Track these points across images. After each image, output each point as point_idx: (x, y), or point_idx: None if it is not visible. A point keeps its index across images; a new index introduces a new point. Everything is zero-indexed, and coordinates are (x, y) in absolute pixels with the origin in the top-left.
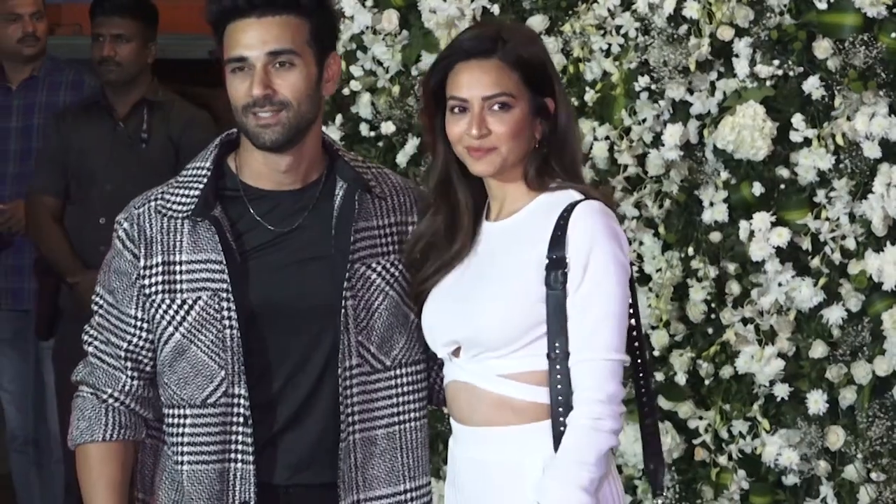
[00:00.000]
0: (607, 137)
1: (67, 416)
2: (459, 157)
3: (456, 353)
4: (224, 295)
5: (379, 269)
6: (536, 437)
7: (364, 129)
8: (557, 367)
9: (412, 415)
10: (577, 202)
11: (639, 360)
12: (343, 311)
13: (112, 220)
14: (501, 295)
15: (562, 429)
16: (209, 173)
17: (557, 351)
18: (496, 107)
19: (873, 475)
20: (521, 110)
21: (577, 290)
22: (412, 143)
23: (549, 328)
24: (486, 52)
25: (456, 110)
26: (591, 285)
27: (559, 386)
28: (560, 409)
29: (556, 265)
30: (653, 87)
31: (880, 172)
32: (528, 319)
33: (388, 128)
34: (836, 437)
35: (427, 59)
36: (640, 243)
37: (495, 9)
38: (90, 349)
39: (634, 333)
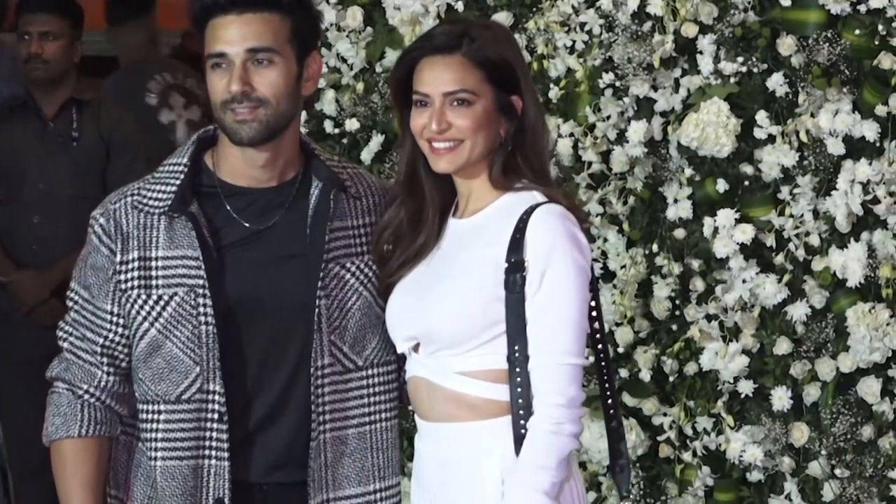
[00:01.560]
0: (571, 134)
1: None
2: (423, 150)
3: (416, 348)
4: (200, 291)
5: (353, 269)
6: (494, 434)
7: (328, 126)
8: (517, 369)
9: (383, 415)
10: (537, 205)
11: (602, 362)
12: (317, 310)
13: (45, 219)
14: (456, 293)
15: (522, 431)
16: (186, 169)
17: (517, 354)
18: (456, 102)
19: (837, 471)
20: (483, 107)
21: (535, 293)
22: (376, 140)
23: (509, 331)
24: (451, 49)
25: (419, 104)
26: (549, 289)
27: (519, 389)
28: (521, 412)
29: (515, 268)
30: (617, 83)
31: (844, 169)
32: (484, 318)
33: (352, 125)
34: (801, 434)
35: (391, 56)
36: (605, 240)
37: (459, 6)
38: (65, 345)
39: (598, 336)
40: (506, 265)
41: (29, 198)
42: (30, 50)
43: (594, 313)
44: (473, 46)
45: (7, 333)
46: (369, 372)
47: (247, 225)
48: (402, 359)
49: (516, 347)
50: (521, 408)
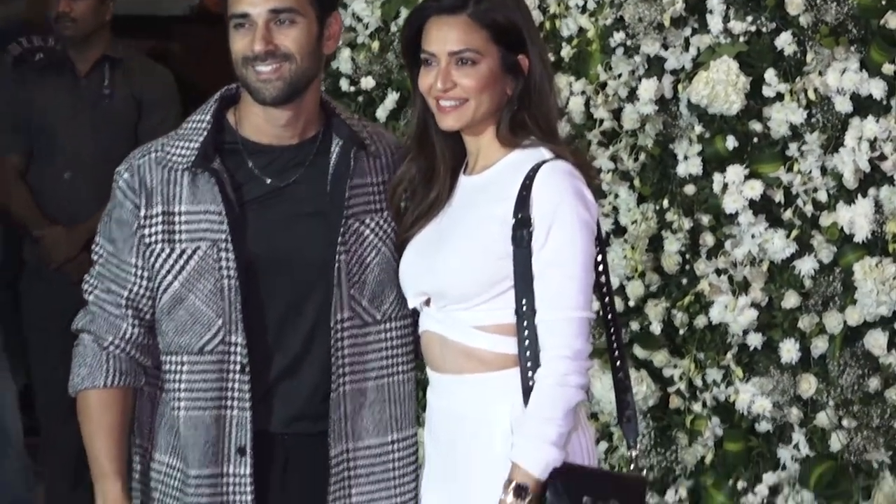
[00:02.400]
0: (583, 92)
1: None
2: (432, 109)
3: (428, 303)
4: (223, 245)
5: (372, 225)
6: (504, 385)
7: (344, 84)
8: (525, 323)
9: (400, 367)
10: (544, 162)
11: (609, 316)
12: (336, 265)
13: (76, 176)
14: (465, 248)
15: (530, 383)
16: (209, 126)
17: (525, 308)
18: (461, 62)
19: (844, 422)
20: (488, 66)
21: (541, 249)
22: (391, 98)
23: (517, 285)
24: (457, 9)
25: (426, 63)
26: (555, 244)
27: (527, 342)
28: (528, 365)
29: (522, 224)
30: (628, 42)
31: (851, 126)
32: (492, 274)
33: (367, 83)
34: (808, 385)
35: (406, 15)
36: (616, 196)
37: None
38: (90, 298)
39: (605, 290)
40: (513, 221)
41: (61, 154)
42: (59, 8)
43: (601, 268)
44: (480, 7)
45: (38, 287)
46: (387, 325)
47: (268, 181)
48: (417, 313)
49: (524, 301)
50: (528, 360)
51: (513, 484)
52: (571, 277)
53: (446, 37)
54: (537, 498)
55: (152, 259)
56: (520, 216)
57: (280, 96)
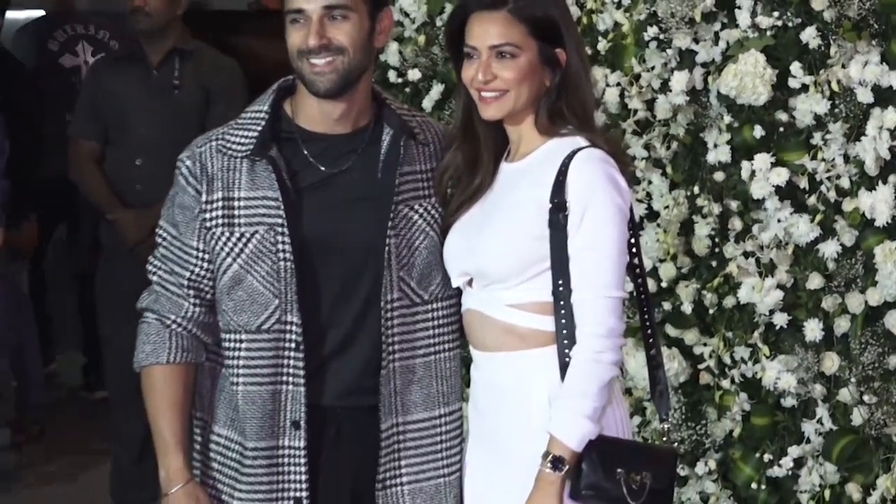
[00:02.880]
0: (618, 84)
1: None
2: (474, 99)
3: (470, 283)
4: (279, 229)
5: (421, 210)
6: (541, 362)
7: (392, 76)
8: (561, 302)
9: (447, 345)
10: (579, 149)
11: (642, 296)
12: (387, 248)
13: (148, 162)
14: (504, 231)
15: (567, 359)
16: (267, 116)
17: (561, 288)
18: (501, 55)
19: (865, 397)
20: (527, 59)
21: (577, 232)
22: (437, 89)
23: (553, 266)
24: (497, 5)
25: (469, 56)
26: (590, 227)
27: (563, 320)
28: (565, 342)
29: (558, 208)
30: (661, 36)
31: (873, 116)
32: (529, 255)
33: (414, 75)
34: (832, 363)
35: (450, 11)
36: (649, 182)
37: None
38: (154, 278)
39: (638, 271)
40: (549, 205)
41: (134, 141)
42: (133, 3)
43: (634, 251)
44: (519, 3)
45: (112, 267)
46: (434, 306)
47: (322, 168)
48: (461, 293)
49: (560, 282)
50: (565, 338)
51: (550, 455)
52: (605, 258)
53: (487, 31)
54: (573, 469)
55: (213, 242)
56: (556, 201)
57: (333, 88)
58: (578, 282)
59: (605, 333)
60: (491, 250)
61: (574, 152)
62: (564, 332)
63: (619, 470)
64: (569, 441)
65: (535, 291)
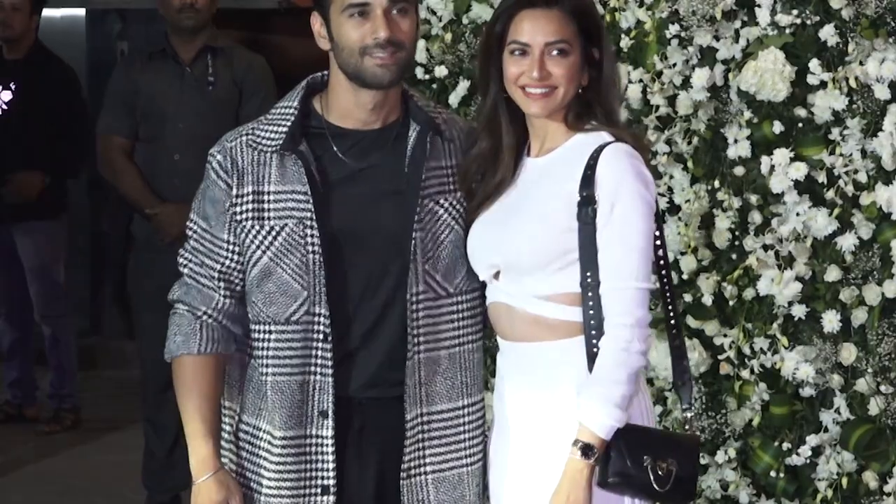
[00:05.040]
0: (641, 80)
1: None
2: (512, 96)
3: (496, 275)
4: (308, 223)
5: (446, 205)
6: (569, 352)
7: (419, 73)
8: (589, 293)
9: (470, 337)
10: (606, 144)
11: (666, 288)
12: (413, 242)
13: (184, 157)
14: (533, 223)
15: (594, 350)
16: (296, 112)
17: (589, 280)
18: (555, 52)
19: (882, 388)
20: (576, 57)
21: (606, 224)
22: (463, 86)
23: (581, 258)
24: (550, 2)
25: (517, 53)
26: (618, 220)
27: (591, 311)
28: (593, 332)
29: (587, 202)
30: (682, 34)
31: (890, 112)
32: (558, 246)
33: (440, 71)
34: (849, 353)
35: (477, 9)
36: (671, 177)
37: None
38: (185, 271)
39: (662, 263)
40: (578, 199)
41: (170, 138)
42: (184, 0)
43: (658, 243)
44: (570, 1)
45: (151, 260)
46: (458, 298)
47: (350, 163)
48: (485, 286)
49: (588, 273)
50: (593, 328)
51: (580, 443)
52: (633, 250)
53: (543, 29)
54: (601, 457)
55: (243, 235)
56: (584, 194)
57: (394, 80)
58: (607, 273)
59: (634, 323)
60: (520, 243)
61: (602, 147)
62: (592, 322)
63: (646, 457)
64: (598, 429)
65: (563, 283)
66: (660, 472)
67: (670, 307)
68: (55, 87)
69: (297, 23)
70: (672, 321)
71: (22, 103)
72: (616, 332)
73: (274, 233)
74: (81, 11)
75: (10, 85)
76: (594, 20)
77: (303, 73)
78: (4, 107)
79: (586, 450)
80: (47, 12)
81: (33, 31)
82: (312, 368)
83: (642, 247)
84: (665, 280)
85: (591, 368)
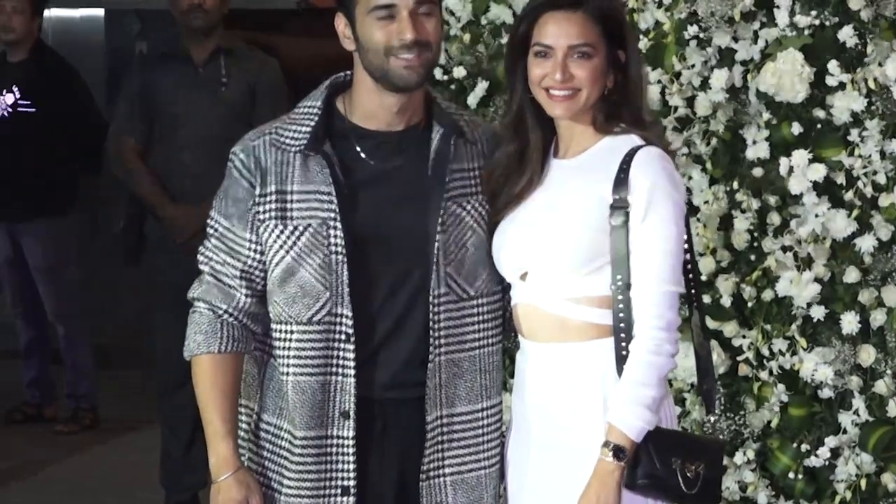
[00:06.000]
0: (659, 81)
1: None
2: (537, 98)
3: (523, 276)
4: (331, 223)
5: (469, 208)
6: (596, 354)
7: (437, 74)
8: (620, 296)
9: (491, 339)
10: (638, 147)
11: (692, 289)
12: (436, 244)
13: (197, 158)
14: (566, 224)
15: (624, 353)
16: (320, 112)
17: (620, 282)
18: (578, 55)
19: None
20: (600, 60)
21: (638, 227)
22: (481, 87)
23: (613, 261)
24: (574, 5)
25: (540, 55)
26: (651, 224)
27: (621, 314)
28: (622, 335)
29: (620, 205)
30: (701, 35)
31: None
32: (590, 248)
33: (459, 72)
34: (868, 355)
35: (495, 10)
36: (689, 178)
37: None
38: (206, 269)
39: (689, 266)
40: (611, 201)
41: (183, 139)
42: (192, 1)
43: (686, 245)
44: (595, 4)
45: (163, 261)
46: (480, 301)
47: (374, 164)
48: (505, 289)
49: (619, 276)
50: (622, 331)
51: (611, 445)
52: (666, 254)
53: (567, 31)
54: (632, 459)
55: (265, 234)
56: (617, 197)
57: (420, 82)
58: (639, 276)
59: (665, 326)
60: (550, 245)
61: (634, 150)
62: (622, 325)
63: (675, 460)
64: (629, 431)
65: (593, 285)
66: (688, 475)
67: (696, 308)
68: (59, 87)
69: (314, 23)
70: (699, 324)
71: (27, 104)
72: (648, 334)
73: (297, 233)
74: (100, 12)
75: (14, 87)
76: (620, 23)
77: (320, 75)
78: (9, 109)
79: (618, 451)
80: (66, 13)
81: (35, 32)
82: (334, 369)
83: (674, 250)
84: (692, 282)
85: (619, 370)
